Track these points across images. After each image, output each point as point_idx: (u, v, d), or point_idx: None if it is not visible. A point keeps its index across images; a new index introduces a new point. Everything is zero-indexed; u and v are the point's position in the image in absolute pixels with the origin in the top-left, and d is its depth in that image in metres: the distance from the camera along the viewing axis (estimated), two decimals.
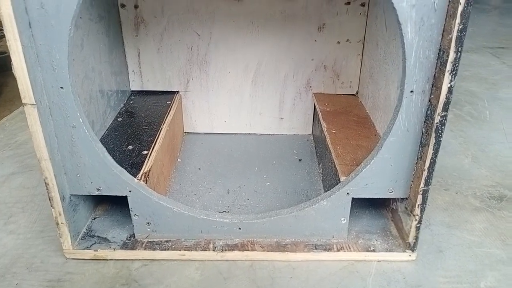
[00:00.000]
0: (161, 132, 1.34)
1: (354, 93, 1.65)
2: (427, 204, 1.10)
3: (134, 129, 1.36)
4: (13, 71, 0.90)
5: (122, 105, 1.52)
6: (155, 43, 1.54)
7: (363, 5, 1.47)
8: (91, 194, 1.10)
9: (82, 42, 1.16)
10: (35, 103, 0.94)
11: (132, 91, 1.63)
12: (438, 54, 0.93)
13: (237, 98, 1.66)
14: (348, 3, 1.47)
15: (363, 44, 1.54)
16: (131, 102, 1.55)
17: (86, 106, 1.20)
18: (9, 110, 3.03)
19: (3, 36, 0.83)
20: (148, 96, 1.60)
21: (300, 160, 1.59)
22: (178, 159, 1.57)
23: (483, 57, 2.83)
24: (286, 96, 1.66)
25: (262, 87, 1.64)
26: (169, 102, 1.55)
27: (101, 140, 1.29)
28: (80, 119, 1.00)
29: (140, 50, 1.55)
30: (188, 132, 1.74)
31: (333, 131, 1.36)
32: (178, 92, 1.63)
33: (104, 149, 1.06)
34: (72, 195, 1.11)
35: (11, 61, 0.89)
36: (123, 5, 1.46)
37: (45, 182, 1.04)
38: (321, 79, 1.62)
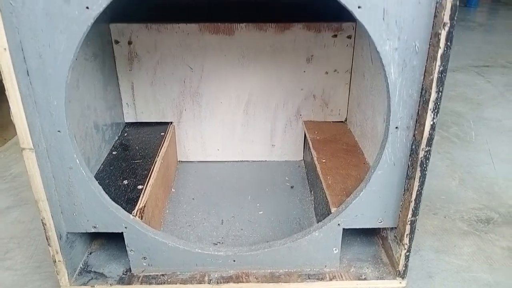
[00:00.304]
0: (155, 165, 1.37)
1: (343, 120, 1.69)
2: (417, 229, 1.14)
3: (129, 162, 1.39)
4: (11, 117, 0.93)
5: (116, 138, 1.55)
6: (149, 76, 1.57)
7: (349, 37, 1.52)
8: (88, 231, 1.13)
9: (77, 83, 1.19)
10: (33, 148, 0.96)
11: (126, 123, 1.66)
12: (421, 93, 0.98)
13: (229, 127, 1.70)
14: (335, 35, 1.52)
15: (351, 73, 1.59)
16: (125, 135, 1.58)
17: (81, 144, 1.23)
18: (2, 136, 3.03)
19: None
20: (142, 128, 1.63)
21: (292, 187, 1.62)
22: (172, 189, 1.59)
23: (468, 76, 2.91)
24: (277, 124, 1.70)
25: (253, 116, 1.68)
26: (163, 133, 1.58)
27: (96, 175, 1.32)
28: (77, 160, 1.02)
29: (134, 84, 1.58)
30: (181, 161, 1.77)
31: (323, 161, 1.40)
32: (171, 122, 1.67)
33: (100, 187, 1.09)
34: (68, 232, 1.14)
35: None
36: (117, 42, 1.50)
37: (43, 222, 1.06)
38: (311, 107, 1.66)
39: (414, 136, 1.03)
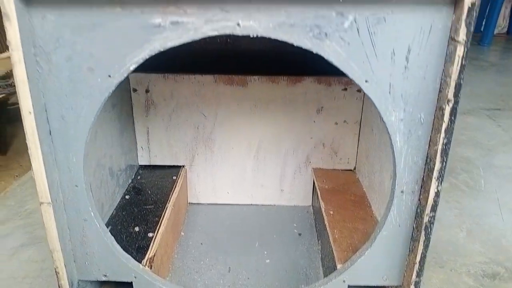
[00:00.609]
0: (166, 212, 1.41)
1: (352, 168, 1.72)
2: (422, 283, 1.15)
3: (141, 208, 1.43)
4: (32, 174, 0.98)
5: (130, 181, 1.59)
6: (164, 122, 1.63)
7: (359, 91, 1.56)
8: (98, 280, 1.16)
9: (96, 135, 1.25)
10: (51, 202, 1.01)
11: (140, 165, 1.71)
12: (426, 160, 1.01)
13: (239, 171, 1.74)
14: (345, 89, 1.56)
15: (360, 125, 1.63)
16: (138, 178, 1.63)
17: (96, 192, 1.27)
18: (18, 162, 3.11)
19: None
20: (155, 171, 1.68)
21: (300, 234, 1.64)
22: (182, 233, 1.62)
23: (479, 120, 2.92)
24: (287, 170, 1.74)
25: (263, 161, 1.72)
26: (175, 177, 1.63)
27: (109, 221, 1.36)
28: (92, 213, 1.07)
29: (149, 129, 1.64)
30: (192, 203, 1.81)
31: (331, 212, 1.43)
32: (183, 166, 1.71)
33: (113, 238, 1.13)
34: (80, 280, 1.17)
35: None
36: (135, 90, 1.57)
37: (56, 271, 1.10)
38: (320, 155, 1.70)
39: (419, 200, 1.06)
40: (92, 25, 0.89)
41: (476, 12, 0.84)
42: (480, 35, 5.56)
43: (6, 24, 0.86)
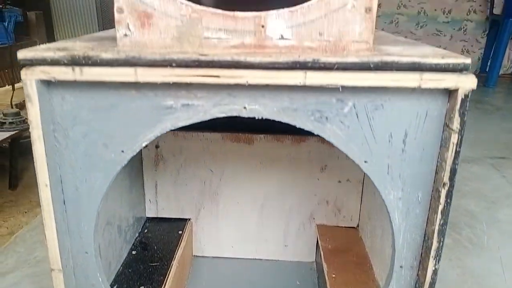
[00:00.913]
0: (171, 270, 1.44)
1: (355, 225, 1.75)
2: None
3: (147, 265, 1.46)
4: (45, 242, 1.03)
5: (137, 235, 1.63)
6: (172, 177, 1.68)
7: None
8: None
9: (107, 196, 1.29)
10: (61, 269, 1.05)
11: (147, 217, 1.75)
12: (424, 237, 1.04)
13: (244, 226, 1.77)
14: None
15: (363, 184, 1.66)
16: (145, 231, 1.67)
17: (104, 251, 1.31)
18: (28, 198, 3.15)
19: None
20: (161, 224, 1.71)
21: None
22: None
23: (483, 170, 2.93)
24: (291, 226, 1.77)
25: (268, 217, 1.75)
26: (181, 231, 1.67)
27: (115, 278, 1.39)
28: (100, 278, 1.10)
29: (157, 182, 1.69)
30: (196, 256, 1.83)
31: (333, 275, 1.45)
32: (189, 219, 1.75)
33: None
34: None
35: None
36: (145, 145, 1.63)
37: None
38: (324, 212, 1.73)
39: (418, 275, 1.08)
40: (108, 106, 0.95)
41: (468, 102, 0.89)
42: (485, 76, 5.62)
43: (28, 104, 0.93)
